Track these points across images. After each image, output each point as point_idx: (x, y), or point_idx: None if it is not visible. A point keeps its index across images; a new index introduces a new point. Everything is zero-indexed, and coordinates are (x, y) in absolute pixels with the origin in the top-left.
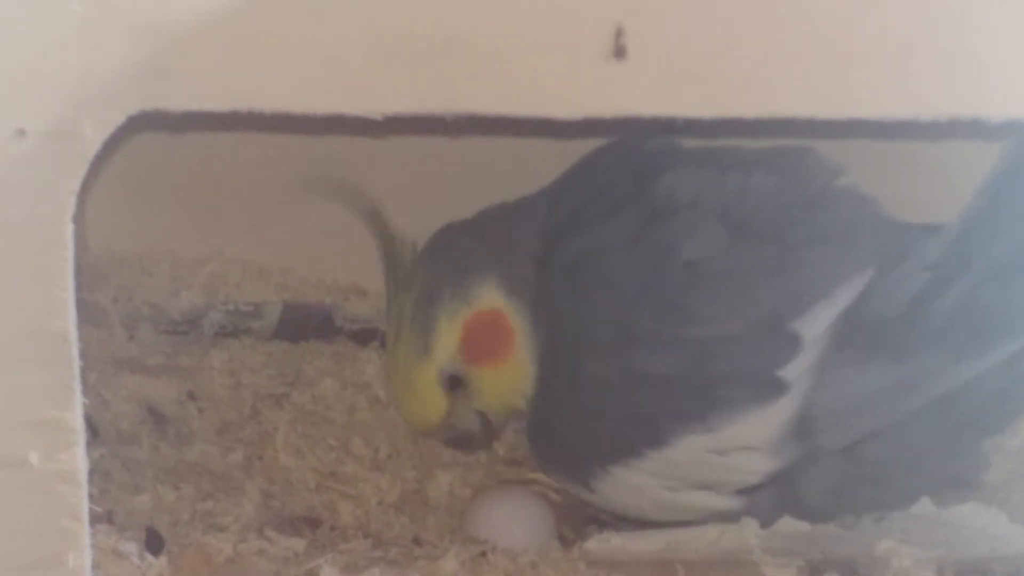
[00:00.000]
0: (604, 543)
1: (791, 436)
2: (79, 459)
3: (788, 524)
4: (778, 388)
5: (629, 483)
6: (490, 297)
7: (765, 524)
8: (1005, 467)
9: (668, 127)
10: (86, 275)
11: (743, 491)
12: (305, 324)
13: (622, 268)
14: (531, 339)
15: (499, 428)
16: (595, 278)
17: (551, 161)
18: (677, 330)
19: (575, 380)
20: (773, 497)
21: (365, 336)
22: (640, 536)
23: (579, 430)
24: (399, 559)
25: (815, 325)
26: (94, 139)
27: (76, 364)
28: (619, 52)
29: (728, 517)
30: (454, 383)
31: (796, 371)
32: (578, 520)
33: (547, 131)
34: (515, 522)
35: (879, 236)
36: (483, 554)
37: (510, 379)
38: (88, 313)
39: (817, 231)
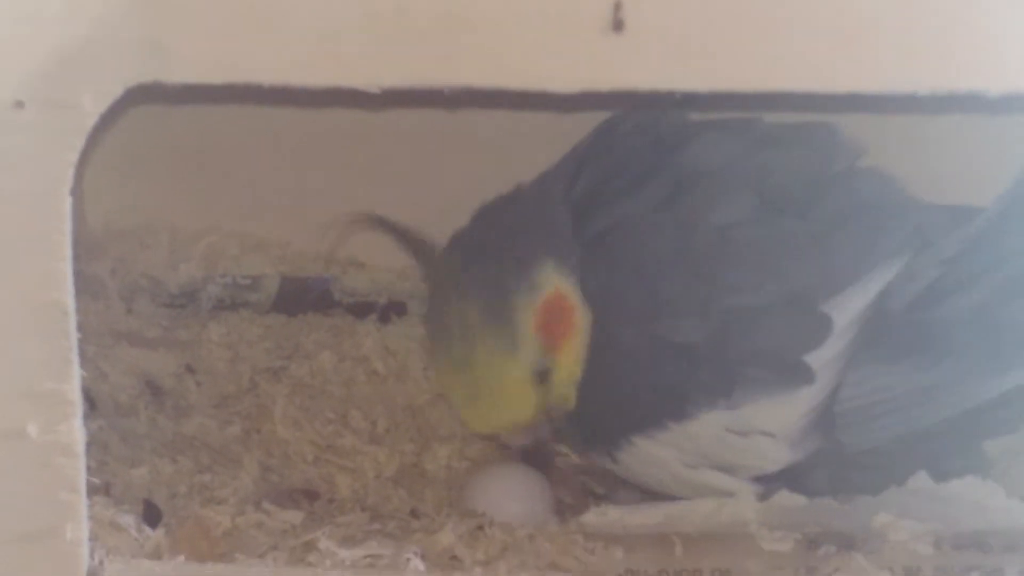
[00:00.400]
0: (601, 516)
1: (812, 429)
2: (77, 431)
3: (785, 498)
4: (804, 375)
5: (651, 455)
6: (551, 279)
7: (766, 493)
8: (1002, 442)
9: (666, 101)
10: (84, 247)
11: (760, 478)
12: (303, 297)
13: (652, 237)
14: (586, 314)
15: (556, 430)
16: (625, 249)
17: (549, 134)
18: (705, 297)
19: (606, 350)
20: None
21: (363, 309)
22: (637, 509)
23: (606, 400)
24: (396, 532)
25: (846, 310)
26: (92, 111)
27: (74, 336)
28: (617, 25)
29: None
30: (541, 377)
31: (823, 359)
32: (578, 491)
33: (545, 104)
34: (513, 496)
35: (905, 220)
36: (480, 527)
37: (576, 359)
38: (86, 285)
39: (844, 210)
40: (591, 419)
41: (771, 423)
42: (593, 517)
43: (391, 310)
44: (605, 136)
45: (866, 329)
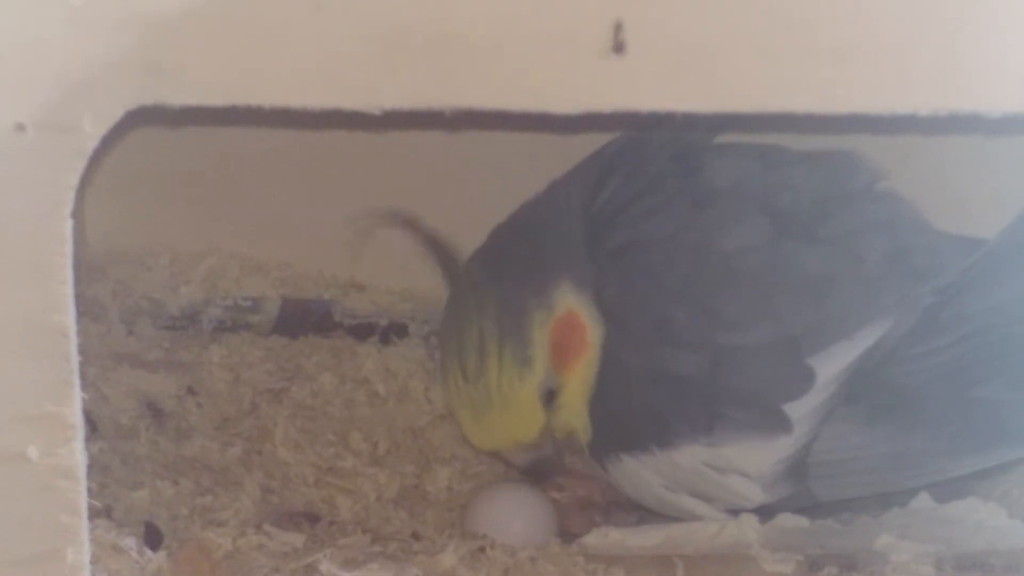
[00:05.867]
0: (603, 538)
1: (785, 475)
2: (78, 454)
3: (787, 519)
4: (782, 423)
5: (636, 474)
6: (566, 300)
7: (768, 514)
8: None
9: (667, 122)
10: (85, 270)
11: (735, 511)
12: (304, 319)
13: (665, 259)
14: (598, 333)
15: (562, 452)
16: (641, 270)
17: (550, 155)
18: (704, 331)
19: (611, 368)
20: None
21: (364, 331)
22: (639, 531)
23: (602, 413)
24: (398, 554)
25: (831, 365)
26: (93, 134)
27: (75, 359)
28: (618, 47)
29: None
30: (549, 398)
31: (802, 410)
32: (584, 520)
33: (546, 126)
34: (515, 518)
35: (912, 251)
36: (482, 549)
37: (586, 380)
38: (87, 308)
39: (851, 231)
40: (595, 430)
41: (747, 465)
42: (594, 539)
43: (392, 332)
44: (634, 150)
45: (847, 385)
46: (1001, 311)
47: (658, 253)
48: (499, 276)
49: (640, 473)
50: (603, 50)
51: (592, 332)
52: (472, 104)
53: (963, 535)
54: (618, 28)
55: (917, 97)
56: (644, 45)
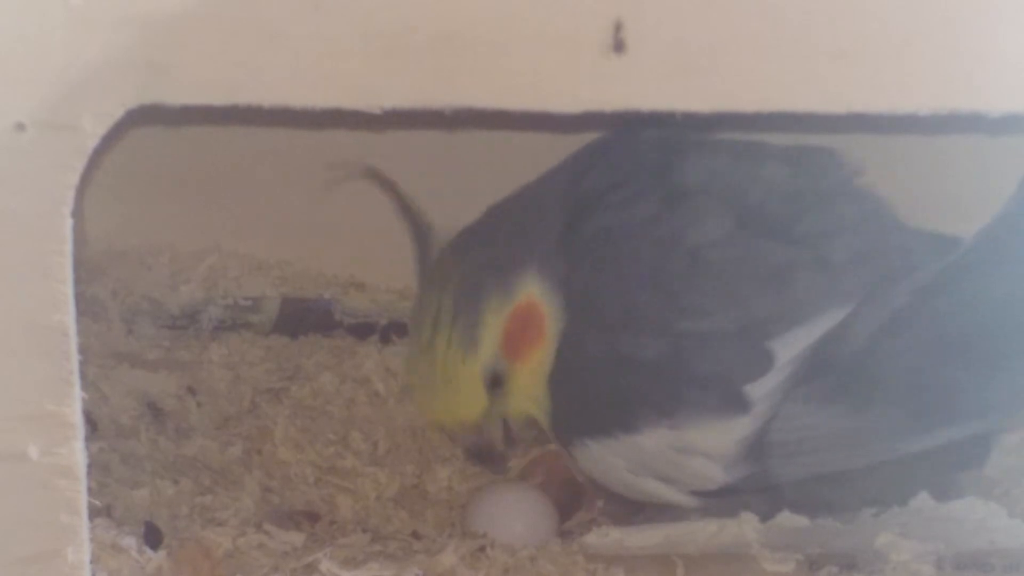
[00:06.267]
0: (603, 537)
1: (745, 455)
2: (78, 453)
3: (787, 519)
4: (740, 404)
5: (601, 459)
6: (529, 289)
7: (768, 513)
8: (1004, 461)
9: (667, 121)
10: (85, 269)
11: (699, 493)
12: (304, 318)
13: (634, 249)
14: (557, 323)
15: (516, 439)
16: (610, 257)
17: (550, 155)
18: (666, 317)
19: (573, 353)
20: (746, 497)
21: (364, 330)
22: (639, 530)
23: (566, 399)
24: (398, 553)
25: (790, 348)
26: (93, 133)
27: (75, 358)
28: (618, 46)
29: (688, 512)
30: (495, 382)
31: (761, 391)
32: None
33: (546, 125)
34: (515, 517)
35: (883, 248)
36: (482, 548)
37: (539, 369)
38: (87, 307)
39: (822, 231)
40: (561, 415)
41: (708, 446)
42: (594, 538)
43: (392, 331)
44: (621, 142)
45: (805, 367)
46: (971, 306)
47: (627, 243)
48: (466, 254)
49: (606, 458)
50: (603, 49)
51: (551, 323)
52: (472, 103)
53: (963, 534)
54: (618, 27)
55: (917, 97)
56: (644, 44)
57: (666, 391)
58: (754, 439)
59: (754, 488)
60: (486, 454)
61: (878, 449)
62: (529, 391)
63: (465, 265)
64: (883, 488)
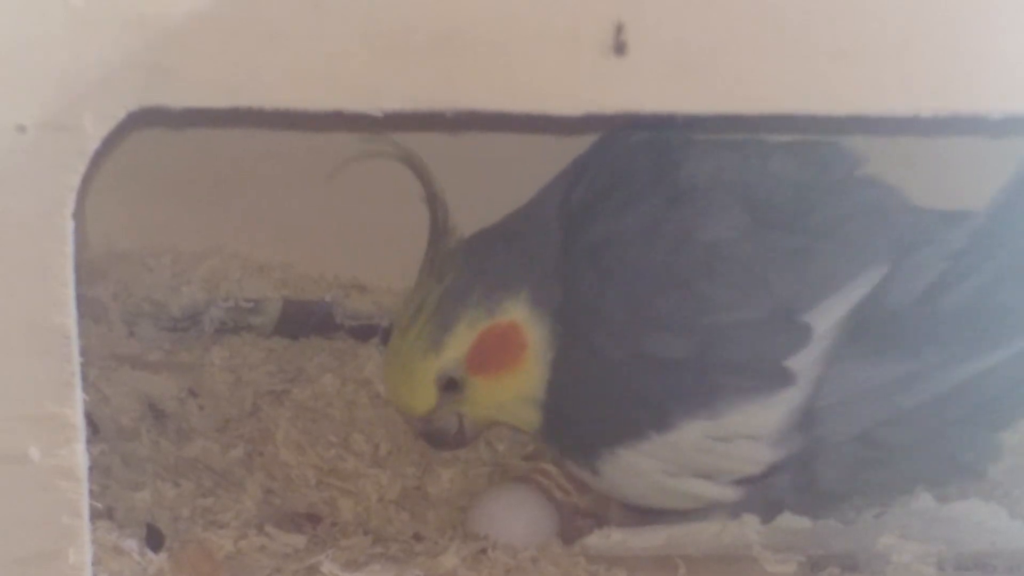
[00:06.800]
0: (605, 539)
1: (794, 427)
2: (79, 455)
3: (788, 520)
4: (784, 378)
5: (633, 466)
6: (516, 311)
7: (769, 514)
8: (1005, 462)
9: (669, 123)
10: (86, 271)
11: (742, 481)
12: (305, 320)
13: (643, 252)
14: (548, 350)
15: (471, 435)
16: (617, 263)
17: (552, 157)
18: (691, 316)
19: (589, 364)
20: (785, 481)
21: (365, 332)
22: (641, 532)
23: (590, 413)
24: (399, 555)
25: (826, 318)
26: (94, 135)
27: (76, 360)
28: (619, 48)
29: (726, 507)
30: (450, 385)
31: (804, 362)
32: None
33: (548, 127)
34: (517, 519)
35: (898, 225)
36: (483, 550)
37: (511, 391)
38: (88, 309)
39: (836, 218)
40: (576, 433)
41: (753, 427)
42: (596, 540)
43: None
44: (606, 149)
45: (849, 328)
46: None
47: (636, 247)
48: (465, 262)
49: (639, 463)
50: (604, 51)
51: (535, 351)
52: (473, 105)
53: (965, 535)
54: (619, 29)
55: (919, 98)
56: (645, 46)
57: (699, 384)
58: (803, 408)
59: (800, 461)
60: (435, 440)
61: (936, 383)
62: (495, 406)
63: (463, 268)
64: (928, 461)
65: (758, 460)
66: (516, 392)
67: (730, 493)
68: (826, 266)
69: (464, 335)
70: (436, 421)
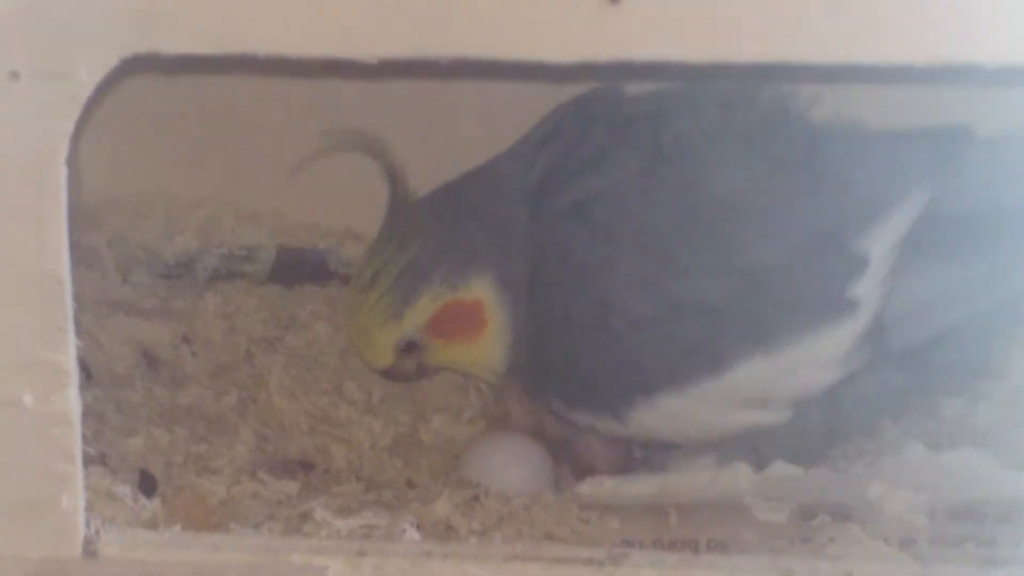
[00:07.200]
0: (597, 487)
1: (862, 344)
2: (72, 401)
3: (780, 468)
4: (848, 307)
5: (675, 410)
6: (480, 290)
7: (761, 463)
8: (997, 412)
9: (662, 72)
10: (80, 218)
11: (795, 403)
12: (299, 268)
13: (645, 204)
14: (506, 329)
15: (431, 372)
16: (615, 218)
17: (546, 105)
18: (719, 257)
19: (603, 319)
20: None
21: None
22: (633, 480)
23: (611, 366)
24: (392, 502)
25: (881, 242)
26: (88, 82)
27: (69, 306)
28: None
29: (771, 432)
30: (410, 347)
31: (867, 287)
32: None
33: (542, 75)
34: (510, 467)
35: (926, 146)
36: (476, 497)
37: (470, 358)
38: (82, 256)
39: (844, 157)
40: (591, 387)
41: (818, 354)
42: (589, 487)
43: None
44: (558, 120)
45: (914, 243)
46: None
47: (632, 200)
48: (433, 233)
49: (682, 407)
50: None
51: (494, 327)
52: (468, 53)
53: (956, 485)
54: None
55: (913, 47)
56: None
57: (753, 324)
58: (871, 326)
59: (872, 366)
60: (395, 377)
61: (1010, 282)
62: (455, 365)
63: (424, 240)
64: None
65: (822, 382)
66: (475, 362)
67: (782, 416)
68: (859, 193)
69: (426, 308)
70: (397, 366)
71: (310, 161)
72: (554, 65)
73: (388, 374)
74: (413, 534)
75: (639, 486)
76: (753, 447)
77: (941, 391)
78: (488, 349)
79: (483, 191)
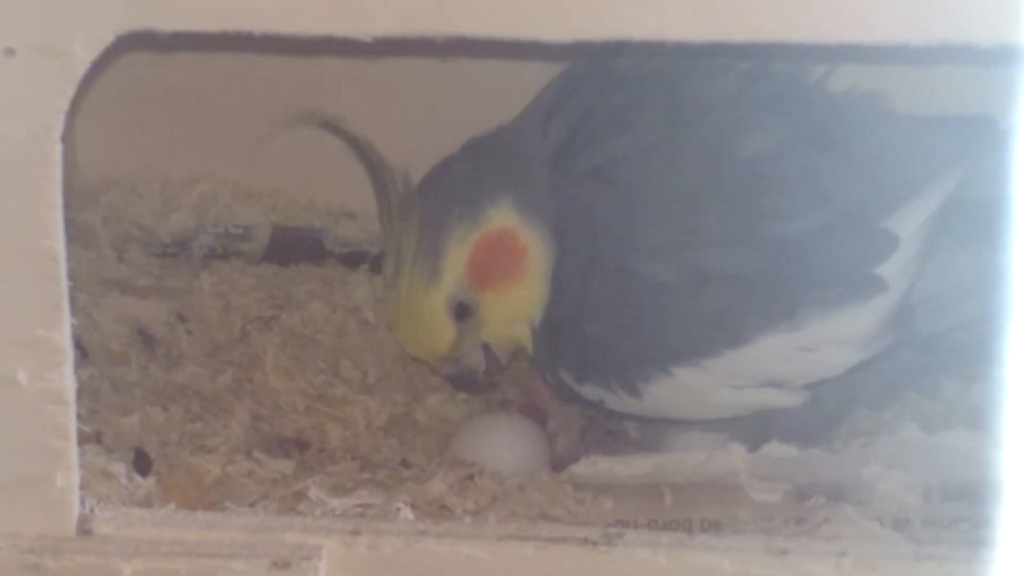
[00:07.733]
0: (592, 467)
1: (888, 327)
2: (67, 379)
3: (775, 448)
4: (876, 286)
5: (692, 384)
6: (501, 216)
7: (756, 443)
8: (991, 392)
9: (659, 51)
10: (76, 196)
11: (811, 385)
12: (295, 247)
13: (669, 170)
14: (546, 257)
15: (504, 364)
16: (636, 183)
17: (542, 84)
18: (746, 226)
19: (623, 286)
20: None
21: (355, 259)
22: (628, 460)
23: (629, 335)
24: (387, 481)
25: (910, 222)
26: (83, 58)
27: (64, 284)
28: None
29: (786, 413)
30: (462, 312)
31: (895, 267)
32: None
33: (538, 54)
34: (503, 446)
35: (953, 131)
36: (470, 477)
37: (520, 303)
38: (78, 234)
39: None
40: (605, 356)
41: (842, 333)
42: (583, 467)
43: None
44: (572, 80)
45: (943, 225)
46: None
47: (654, 165)
48: (429, 191)
49: (698, 381)
50: None
51: (536, 255)
52: (463, 31)
53: (951, 465)
54: None
55: (909, 26)
56: None
57: (777, 296)
58: (897, 308)
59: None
60: (468, 381)
61: None
62: (510, 322)
63: (430, 198)
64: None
65: (842, 363)
66: (525, 306)
67: (797, 398)
68: (889, 172)
69: (457, 253)
70: (463, 358)
71: (268, 138)
72: (551, 44)
73: (462, 377)
74: (408, 513)
75: (634, 466)
76: (760, 428)
77: (956, 376)
78: (535, 285)
79: (484, 143)
